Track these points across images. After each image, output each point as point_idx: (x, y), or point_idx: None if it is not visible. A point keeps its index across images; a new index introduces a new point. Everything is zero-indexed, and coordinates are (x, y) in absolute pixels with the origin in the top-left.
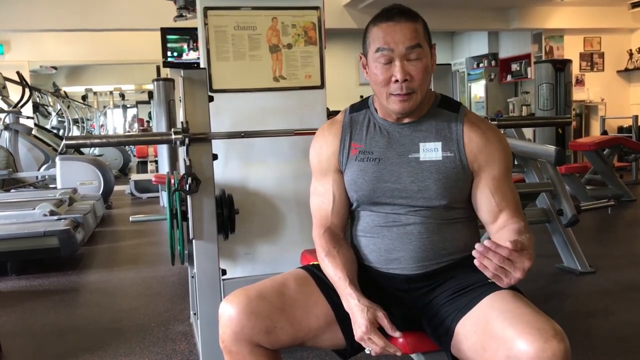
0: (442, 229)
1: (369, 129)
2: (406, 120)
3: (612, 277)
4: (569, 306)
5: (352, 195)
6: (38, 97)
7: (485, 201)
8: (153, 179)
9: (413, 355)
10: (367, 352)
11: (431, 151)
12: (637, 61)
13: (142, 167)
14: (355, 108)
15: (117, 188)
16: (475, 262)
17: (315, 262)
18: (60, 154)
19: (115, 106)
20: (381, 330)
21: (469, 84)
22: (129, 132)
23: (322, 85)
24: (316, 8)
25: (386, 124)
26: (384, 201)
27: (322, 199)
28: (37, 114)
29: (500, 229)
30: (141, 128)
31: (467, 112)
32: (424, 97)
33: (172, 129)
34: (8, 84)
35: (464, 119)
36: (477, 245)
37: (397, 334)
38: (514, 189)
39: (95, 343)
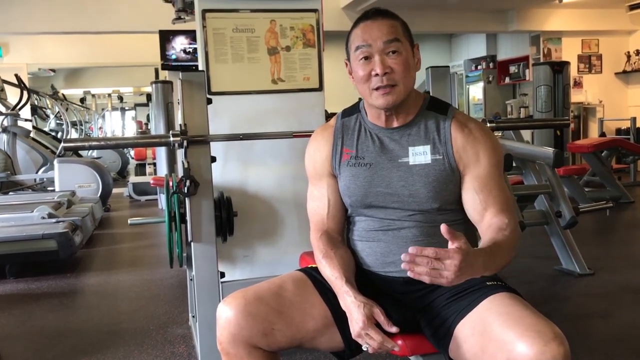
0: (437, 231)
1: (360, 134)
2: (395, 124)
3: (611, 279)
4: (568, 308)
5: (346, 200)
6: (36, 99)
7: (470, 201)
8: (151, 182)
9: (412, 358)
10: (365, 349)
11: (420, 155)
12: (635, 63)
13: (141, 169)
14: (346, 113)
15: (115, 190)
16: (409, 273)
17: (314, 265)
18: (59, 156)
19: (114, 109)
20: (378, 327)
21: (467, 86)
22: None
23: (320, 88)
24: (314, 10)
25: (376, 129)
26: (376, 206)
27: (317, 204)
28: (36, 116)
29: (487, 228)
30: (140, 130)
31: (456, 113)
32: (409, 94)
33: (171, 132)
34: (6, 86)
35: (452, 120)
36: (402, 256)
37: (393, 329)
38: (503, 187)
39: (94, 346)
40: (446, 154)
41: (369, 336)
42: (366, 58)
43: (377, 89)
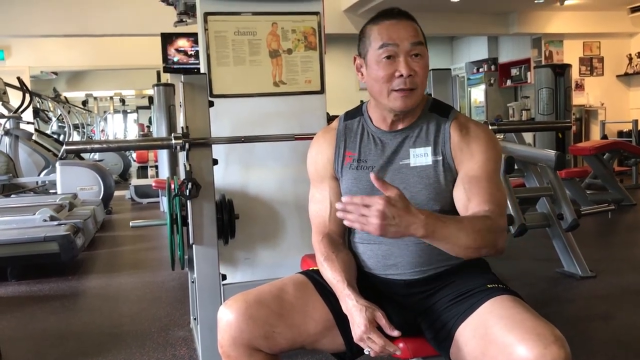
0: None
1: (362, 137)
2: (400, 127)
3: (613, 281)
4: (570, 310)
5: None
6: (38, 102)
7: (458, 195)
8: (153, 184)
9: None
10: (366, 352)
11: (421, 156)
12: (636, 66)
13: (143, 172)
14: (349, 115)
15: (117, 193)
16: (345, 222)
17: (315, 267)
18: (61, 159)
19: (116, 111)
20: (380, 330)
21: (469, 89)
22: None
23: (322, 90)
24: (316, 13)
25: (379, 132)
26: None
27: (319, 206)
28: (38, 119)
29: None
30: (141, 133)
31: (458, 115)
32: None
33: (173, 134)
34: (9, 89)
35: (452, 121)
36: (336, 205)
37: (395, 333)
38: (494, 181)
39: (96, 348)
40: (445, 155)
41: (371, 340)
42: (389, 57)
43: (397, 90)
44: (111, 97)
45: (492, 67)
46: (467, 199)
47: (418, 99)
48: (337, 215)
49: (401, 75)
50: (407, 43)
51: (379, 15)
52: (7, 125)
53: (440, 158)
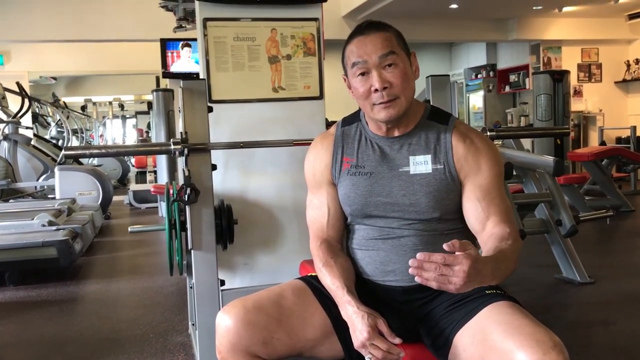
0: (437, 240)
1: (360, 142)
2: (396, 134)
3: (612, 287)
4: (568, 317)
5: (346, 209)
6: (37, 107)
7: (472, 209)
8: (152, 189)
9: None
10: (367, 359)
11: (421, 164)
12: (634, 72)
13: (141, 177)
14: (347, 121)
15: (115, 198)
16: (417, 279)
17: (314, 273)
18: (59, 164)
19: (115, 116)
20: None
21: (468, 95)
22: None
23: (321, 96)
24: (315, 19)
25: (377, 138)
26: (376, 215)
27: (317, 212)
28: (37, 124)
29: (489, 237)
30: (140, 138)
31: (457, 123)
32: (410, 104)
33: (172, 140)
34: (8, 94)
35: (453, 130)
36: (410, 262)
37: (396, 341)
38: (504, 197)
39: (94, 354)
40: (447, 164)
41: (374, 346)
42: (363, 74)
43: (377, 103)
44: (110, 102)
45: (491, 73)
46: (485, 217)
47: (403, 107)
48: (409, 271)
49: (377, 90)
50: (375, 56)
51: (351, 33)
52: (6, 130)
53: (440, 166)
